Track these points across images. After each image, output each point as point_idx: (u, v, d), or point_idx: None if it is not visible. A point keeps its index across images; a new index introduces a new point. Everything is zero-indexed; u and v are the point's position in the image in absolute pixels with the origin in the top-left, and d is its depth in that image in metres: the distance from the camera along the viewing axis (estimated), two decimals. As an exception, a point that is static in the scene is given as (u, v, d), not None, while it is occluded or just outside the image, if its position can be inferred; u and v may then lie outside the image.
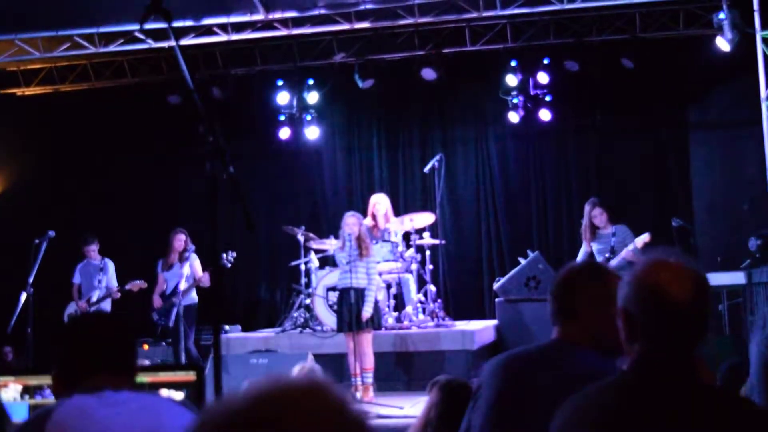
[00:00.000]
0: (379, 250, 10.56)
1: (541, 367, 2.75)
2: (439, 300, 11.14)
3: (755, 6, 9.46)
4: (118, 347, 2.62)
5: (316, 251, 11.46)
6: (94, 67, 12.88)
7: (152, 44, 11.24)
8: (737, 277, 9.31)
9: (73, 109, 13.08)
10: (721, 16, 9.83)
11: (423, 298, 11.04)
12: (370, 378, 9.02)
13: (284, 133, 13.10)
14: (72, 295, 11.14)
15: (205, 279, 10.41)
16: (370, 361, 9.04)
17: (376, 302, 9.27)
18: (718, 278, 9.03)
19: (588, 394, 2.17)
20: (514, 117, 12.40)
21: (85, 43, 11.32)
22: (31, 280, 10.05)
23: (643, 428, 2.06)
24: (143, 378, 3.07)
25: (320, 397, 1.26)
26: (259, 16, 10.79)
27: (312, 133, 13.06)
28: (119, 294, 10.84)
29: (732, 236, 11.11)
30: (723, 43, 10.04)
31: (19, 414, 3.09)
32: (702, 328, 2.16)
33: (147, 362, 5.92)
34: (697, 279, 2.15)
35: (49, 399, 3.00)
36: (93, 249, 11.15)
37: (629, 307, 2.17)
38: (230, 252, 10.11)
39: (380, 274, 9.98)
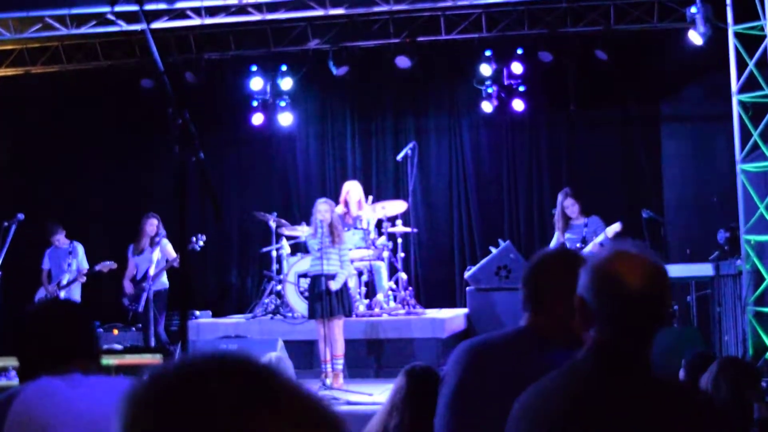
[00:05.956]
0: (351, 237, 10.57)
1: (503, 357, 2.74)
2: (410, 288, 11.18)
3: (728, 0, 9.51)
4: (82, 335, 2.63)
5: (288, 238, 11.45)
6: (66, 49, 12.72)
7: (124, 27, 11.13)
8: (706, 269, 9.42)
9: (44, 91, 12.94)
10: (694, 9, 9.88)
11: (394, 286, 11.07)
12: (340, 365, 9.04)
13: (257, 118, 13.03)
14: (42, 280, 11.01)
15: (178, 259, 10.29)
16: (340, 348, 9.05)
17: (348, 289, 9.28)
18: (686, 270, 9.12)
19: (545, 383, 2.20)
20: (487, 106, 12.41)
21: (57, 24, 11.19)
22: (-1, 263, 9.99)
23: (597, 417, 2.09)
24: (110, 360, 3.07)
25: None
26: (233, 1, 10.72)
27: (285, 119, 13.00)
28: (84, 278, 10.74)
29: (701, 228, 11.21)
30: (696, 37, 10.10)
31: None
32: (657, 318, 2.19)
33: (119, 347, 5.88)
34: (653, 269, 2.17)
35: (13, 381, 2.99)
36: (59, 238, 11.03)
37: (585, 295, 2.20)
38: (200, 235, 10.06)
39: (352, 262, 9.99)
